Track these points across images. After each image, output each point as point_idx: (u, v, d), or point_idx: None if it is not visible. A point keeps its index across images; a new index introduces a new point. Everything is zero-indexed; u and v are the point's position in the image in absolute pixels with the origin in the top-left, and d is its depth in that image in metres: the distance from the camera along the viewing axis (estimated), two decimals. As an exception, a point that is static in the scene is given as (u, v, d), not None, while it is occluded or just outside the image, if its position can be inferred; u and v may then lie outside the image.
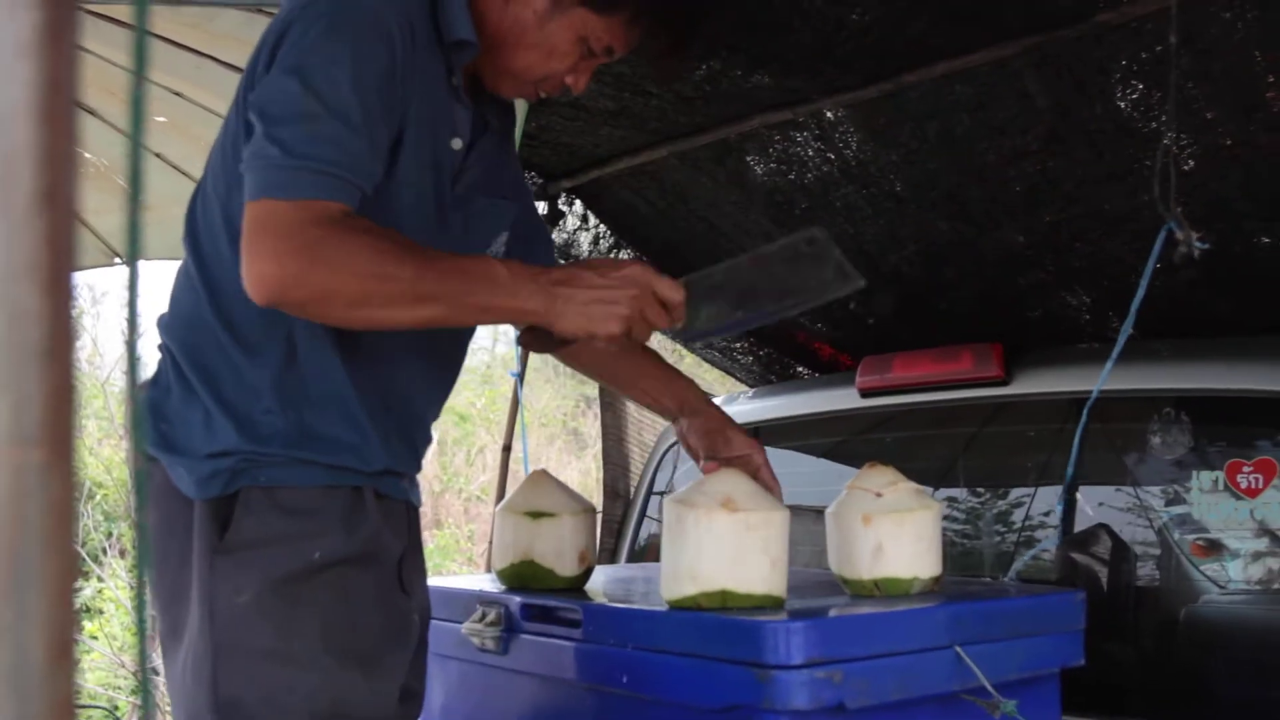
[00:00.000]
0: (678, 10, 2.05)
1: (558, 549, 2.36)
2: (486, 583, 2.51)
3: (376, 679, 1.94)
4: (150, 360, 2.11)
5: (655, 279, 1.91)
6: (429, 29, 1.94)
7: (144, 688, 0.72)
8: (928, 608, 2.04)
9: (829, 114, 3.17)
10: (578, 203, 4.03)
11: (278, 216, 1.72)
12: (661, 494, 4.00)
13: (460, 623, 2.36)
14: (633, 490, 4.30)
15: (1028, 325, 3.57)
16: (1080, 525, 2.93)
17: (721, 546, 1.96)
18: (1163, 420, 2.85)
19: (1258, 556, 2.76)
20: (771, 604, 1.97)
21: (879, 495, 2.19)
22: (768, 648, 1.80)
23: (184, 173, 3.91)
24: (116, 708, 8.76)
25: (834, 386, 3.71)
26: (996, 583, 2.76)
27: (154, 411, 1.97)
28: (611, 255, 4.16)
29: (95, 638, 9.73)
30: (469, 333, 2.25)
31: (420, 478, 2.19)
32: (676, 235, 3.97)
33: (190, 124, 3.66)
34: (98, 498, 10.98)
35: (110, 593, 10.09)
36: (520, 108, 3.22)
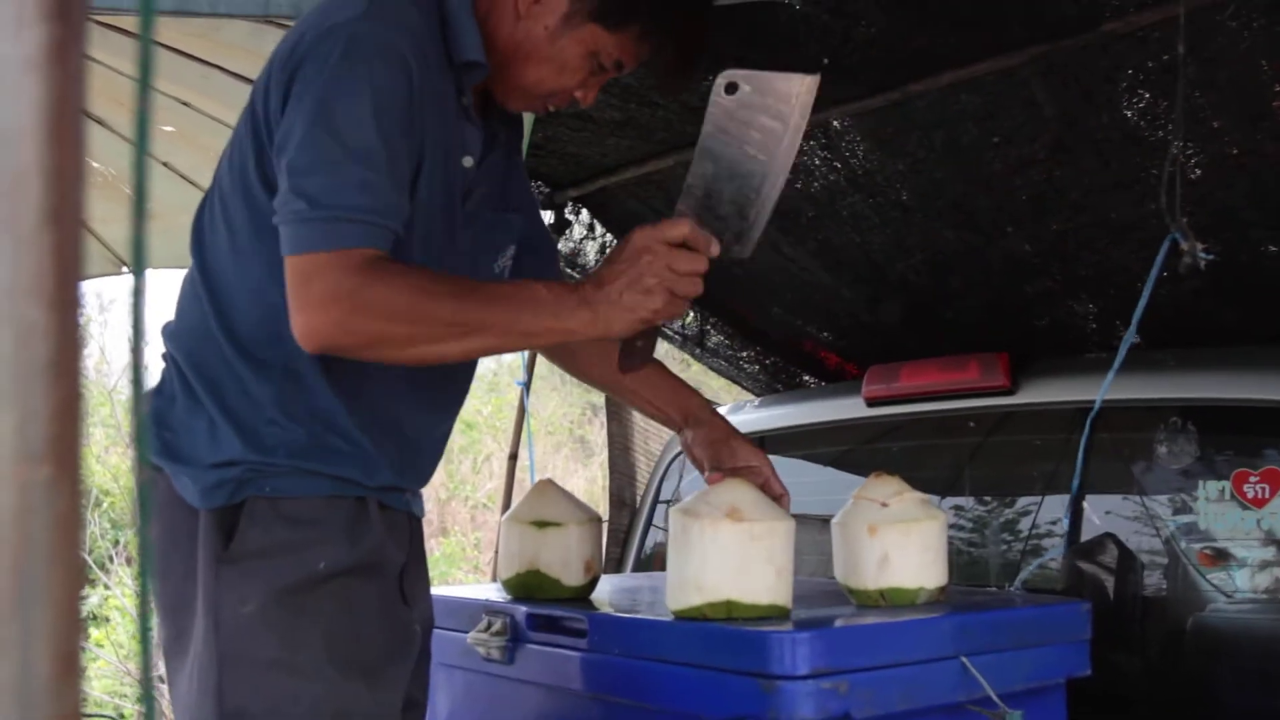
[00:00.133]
0: (687, 26, 2.06)
1: (563, 558, 2.36)
2: (492, 592, 2.51)
3: (380, 689, 1.94)
4: (154, 369, 2.11)
5: (654, 232, 1.88)
6: (440, 50, 1.94)
7: (147, 697, 0.72)
8: (933, 618, 2.04)
9: (835, 123, 3.17)
10: (584, 212, 4.03)
11: (317, 268, 1.75)
12: (667, 503, 3.99)
13: (466, 632, 2.36)
14: (639, 499, 4.30)
15: (1034, 334, 3.57)
16: (1087, 535, 2.93)
17: (726, 557, 1.96)
18: (1169, 430, 2.85)
19: (1264, 566, 2.76)
20: (777, 614, 1.97)
21: (885, 505, 2.19)
22: (773, 658, 1.80)
23: (191, 182, 3.92)
24: (122, 716, 8.77)
25: (840, 395, 3.70)
26: (1002, 592, 2.76)
27: (158, 420, 1.98)
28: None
29: (101, 646, 9.73)
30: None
31: (425, 485, 2.19)
32: (683, 244, 3.97)
33: (198, 133, 3.67)
34: (104, 505, 10.99)
35: (116, 601, 10.09)
36: (527, 118, 3.22)
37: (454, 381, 2.17)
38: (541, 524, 2.36)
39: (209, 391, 1.94)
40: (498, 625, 2.31)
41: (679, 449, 3.88)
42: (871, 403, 3.50)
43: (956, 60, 2.80)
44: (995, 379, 3.21)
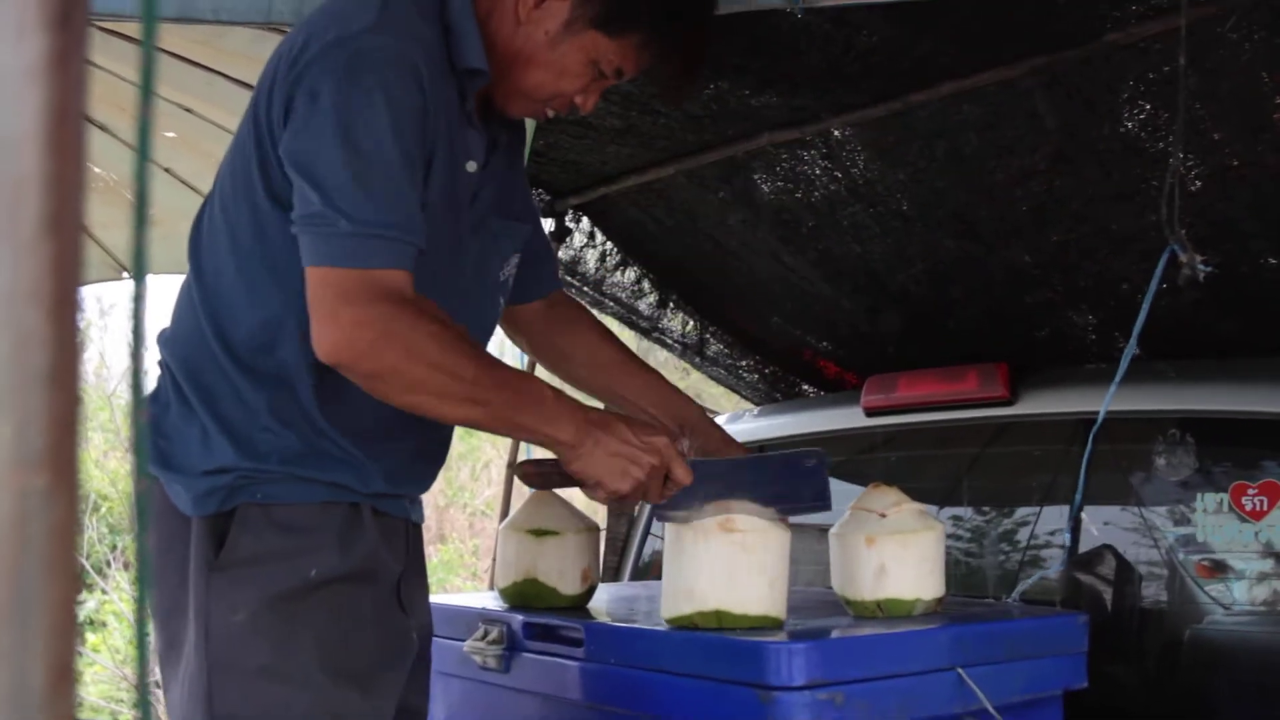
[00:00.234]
0: (688, 35, 2.06)
1: (561, 567, 2.36)
2: (489, 600, 2.51)
3: (372, 696, 1.94)
4: (150, 376, 2.11)
5: (676, 459, 1.99)
6: (444, 57, 1.94)
7: (144, 702, 0.72)
8: (930, 629, 2.04)
9: (836, 133, 3.17)
10: (585, 220, 4.03)
11: (348, 286, 1.77)
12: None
13: (463, 641, 2.36)
14: (637, 507, 4.29)
15: (1034, 345, 3.56)
16: (1085, 546, 2.93)
17: (717, 566, 1.96)
18: (1168, 441, 2.85)
19: (1263, 578, 2.76)
20: (769, 624, 1.97)
21: (883, 516, 2.19)
22: (770, 669, 1.80)
23: (193, 188, 3.92)
24: (119, 721, 8.75)
25: (839, 405, 3.70)
26: (999, 604, 2.75)
27: (153, 428, 1.98)
28: (619, 273, 4.16)
29: (98, 651, 9.72)
30: None
31: (425, 491, 2.18)
32: (683, 253, 3.97)
33: (200, 139, 3.67)
34: (103, 510, 10.98)
35: (113, 606, 10.08)
36: (528, 125, 3.22)
37: None
38: (539, 533, 2.36)
39: (203, 399, 1.94)
40: (494, 634, 2.31)
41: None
42: (870, 413, 3.50)
43: (958, 70, 2.80)
44: (994, 389, 3.21)
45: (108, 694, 9.46)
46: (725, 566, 1.96)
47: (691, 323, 4.33)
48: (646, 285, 4.21)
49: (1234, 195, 2.81)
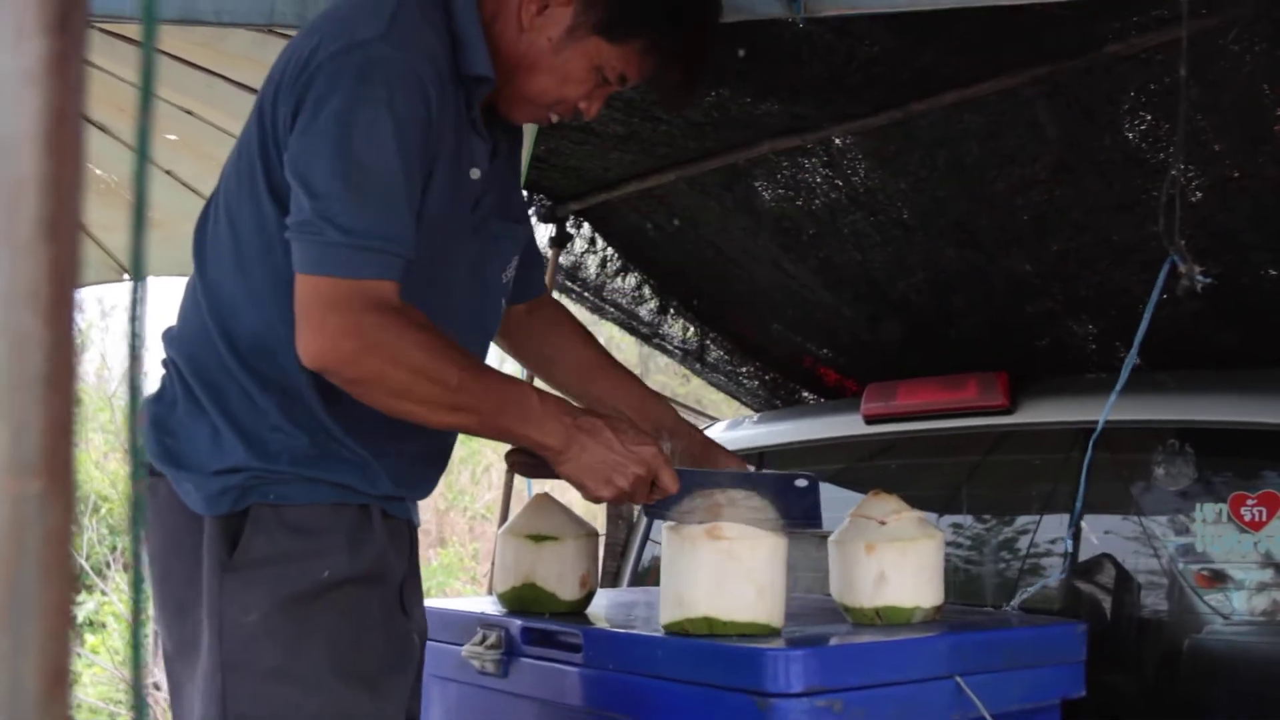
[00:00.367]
0: (690, 41, 2.07)
1: (559, 572, 2.36)
2: (487, 605, 2.51)
3: (381, 699, 1.95)
4: (154, 374, 2.11)
5: (663, 468, 2.01)
6: (450, 65, 1.94)
7: (139, 704, 0.72)
8: (929, 637, 2.04)
9: (838, 141, 3.18)
10: (586, 225, 4.04)
11: (337, 295, 1.78)
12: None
13: (460, 645, 2.36)
14: (636, 513, 4.29)
15: (1034, 354, 3.57)
16: (1084, 555, 2.92)
17: (703, 573, 1.97)
18: (1167, 452, 2.85)
19: (1261, 589, 2.76)
20: (760, 631, 1.97)
21: (882, 523, 2.19)
22: (768, 676, 1.80)
23: (194, 190, 3.92)
24: (117, 722, 8.75)
25: (839, 412, 3.70)
26: (998, 612, 2.75)
27: (158, 426, 1.98)
28: (619, 279, 4.16)
29: (97, 652, 9.72)
30: None
31: (428, 496, 2.19)
32: (684, 259, 3.98)
33: (201, 142, 3.67)
34: (102, 511, 10.98)
35: (113, 607, 10.08)
36: (529, 130, 3.23)
37: None
38: (538, 538, 2.36)
39: (212, 398, 1.94)
40: (492, 639, 2.31)
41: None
42: (870, 420, 3.50)
43: (959, 80, 2.80)
44: (994, 398, 3.21)
45: (106, 695, 9.46)
46: (712, 573, 1.97)
47: (692, 329, 4.33)
48: (647, 291, 4.21)
49: (1235, 207, 2.81)
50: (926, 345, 3.74)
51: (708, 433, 3.97)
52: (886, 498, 2.24)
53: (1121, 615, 2.83)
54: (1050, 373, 3.38)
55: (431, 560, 11.89)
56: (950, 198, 3.19)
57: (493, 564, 2.62)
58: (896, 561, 2.15)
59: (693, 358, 4.47)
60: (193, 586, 1.91)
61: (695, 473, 2.11)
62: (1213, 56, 2.44)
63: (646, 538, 3.97)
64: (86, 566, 10.06)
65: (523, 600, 2.37)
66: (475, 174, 2.03)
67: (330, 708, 1.89)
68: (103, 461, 11.78)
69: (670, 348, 4.51)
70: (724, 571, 1.96)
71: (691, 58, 2.09)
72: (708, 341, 4.36)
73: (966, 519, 3.34)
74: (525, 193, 3.80)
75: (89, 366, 12.75)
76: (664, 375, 11.53)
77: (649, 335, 4.46)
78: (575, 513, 2.46)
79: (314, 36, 1.89)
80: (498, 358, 5.09)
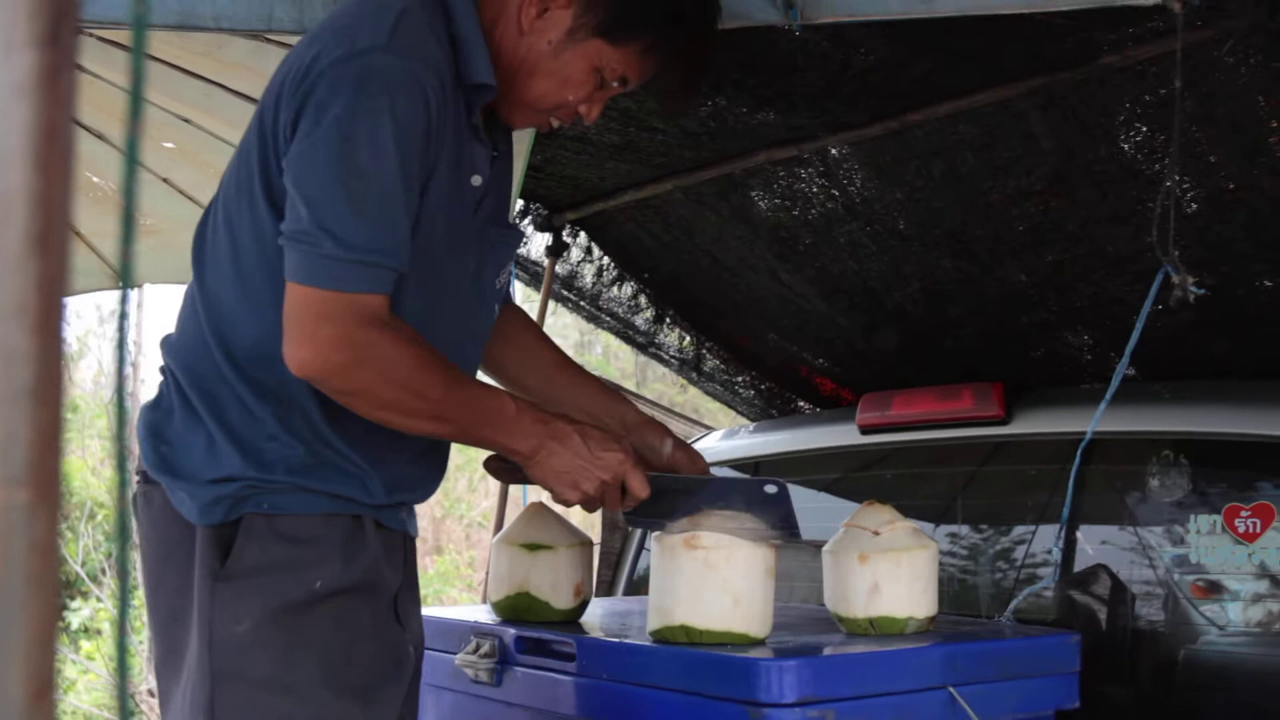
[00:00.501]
0: (690, 43, 2.07)
1: (553, 581, 2.36)
2: (481, 614, 2.51)
3: (372, 710, 1.94)
4: (151, 381, 2.11)
5: (632, 473, 2.04)
6: (452, 73, 1.95)
7: (124, 712, 0.73)
8: (922, 647, 2.04)
9: (834, 151, 3.18)
10: (582, 235, 4.04)
11: (329, 307, 1.80)
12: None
13: (454, 654, 2.36)
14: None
15: (1029, 364, 3.57)
16: (1078, 566, 2.93)
17: (678, 582, 1.99)
18: (1161, 462, 2.85)
19: (1256, 600, 2.76)
20: (738, 640, 1.97)
21: (876, 534, 2.19)
22: (760, 685, 1.80)
23: (191, 199, 3.92)
24: (112, 729, 8.73)
25: (834, 422, 3.71)
26: (992, 623, 2.75)
27: (154, 433, 1.98)
28: (615, 288, 4.16)
29: (92, 659, 9.71)
30: None
31: (426, 500, 2.19)
32: (680, 268, 3.98)
33: (199, 150, 3.67)
34: (98, 518, 10.97)
35: (108, 613, 10.07)
36: (526, 138, 3.23)
37: None
38: (532, 547, 2.37)
39: (208, 407, 1.94)
40: (486, 647, 2.31)
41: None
42: (865, 430, 3.50)
43: (955, 91, 2.81)
44: (989, 408, 3.22)
45: (101, 701, 9.44)
46: (689, 582, 1.98)
47: (688, 338, 4.34)
48: (643, 300, 4.22)
49: (1230, 218, 2.82)
50: (922, 355, 3.75)
51: (703, 442, 3.99)
52: (880, 508, 2.25)
53: (1116, 626, 2.83)
54: (1045, 383, 3.38)
55: (428, 568, 11.89)
56: (946, 208, 3.19)
57: (487, 572, 2.62)
58: (890, 572, 2.15)
59: (689, 367, 4.47)
60: (184, 595, 1.91)
61: (666, 478, 2.13)
62: (1208, 68, 2.45)
63: (641, 547, 3.97)
64: (82, 573, 10.06)
65: (517, 609, 2.37)
66: (477, 180, 2.03)
67: (321, 718, 1.88)
68: (99, 468, 11.78)
69: (666, 357, 4.51)
70: (701, 581, 1.98)
71: (692, 59, 2.10)
72: (704, 351, 4.36)
73: (961, 529, 3.35)
74: (521, 202, 3.82)
75: (86, 373, 12.76)
76: (661, 384, 11.54)
77: (645, 344, 4.46)
78: (570, 522, 2.46)
79: (315, 45, 1.89)
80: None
